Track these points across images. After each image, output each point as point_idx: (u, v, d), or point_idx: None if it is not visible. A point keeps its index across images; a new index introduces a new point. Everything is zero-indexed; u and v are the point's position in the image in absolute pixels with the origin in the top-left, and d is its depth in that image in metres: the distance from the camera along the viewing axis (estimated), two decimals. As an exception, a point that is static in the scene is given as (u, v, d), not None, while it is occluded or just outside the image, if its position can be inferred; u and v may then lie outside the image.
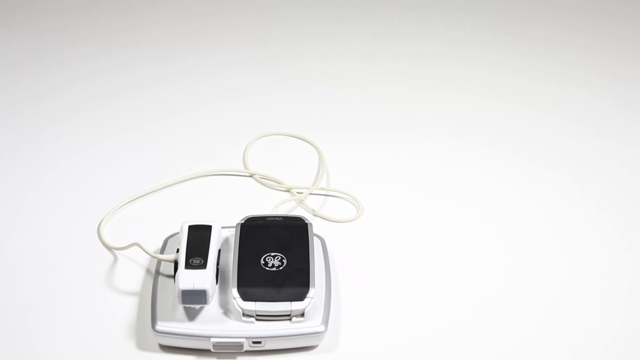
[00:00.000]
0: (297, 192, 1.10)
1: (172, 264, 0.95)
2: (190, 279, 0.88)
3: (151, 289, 0.94)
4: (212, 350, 0.88)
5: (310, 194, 1.10)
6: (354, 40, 1.43)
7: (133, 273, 0.98)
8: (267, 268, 0.92)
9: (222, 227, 0.99)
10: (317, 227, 1.05)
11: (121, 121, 1.22)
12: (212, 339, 0.87)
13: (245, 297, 0.89)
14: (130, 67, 1.34)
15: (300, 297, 0.89)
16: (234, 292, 0.89)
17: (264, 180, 1.12)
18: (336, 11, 1.51)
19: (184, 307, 0.90)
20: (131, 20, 1.48)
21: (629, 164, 1.16)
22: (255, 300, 0.89)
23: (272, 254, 0.93)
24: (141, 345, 0.90)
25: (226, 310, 0.90)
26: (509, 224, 1.06)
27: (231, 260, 0.94)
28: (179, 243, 0.93)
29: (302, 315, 0.89)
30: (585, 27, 1.49)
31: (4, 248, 1.01)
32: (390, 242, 1.03)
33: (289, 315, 0.89)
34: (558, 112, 1.27)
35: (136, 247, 1.00)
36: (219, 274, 0.93)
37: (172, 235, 0.99)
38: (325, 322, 0.89)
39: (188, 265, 0.89)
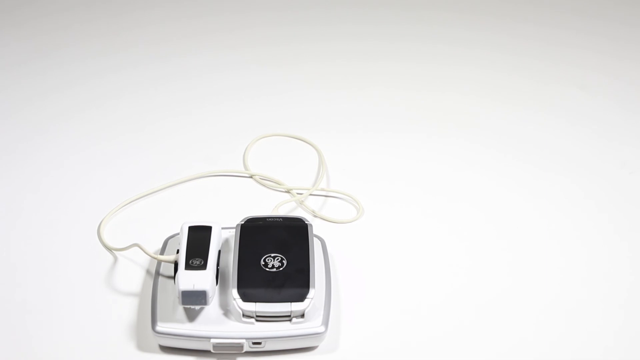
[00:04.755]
0: (297, 193, 1.10)
1: (172, 265, 0.95)
2: (190, 279, 0.88)
3: (151, 289, 0.94)
4: (212, 351, 0.88)
5: (310, 194, 1.10)
6: (354, 41, 1.43)
7: (133, 274, 0.98)
8: (267, 269, 0.92)
9: (222, 228, 0.99)
10: (317, 228, 1.05)
11: (121, 122, 1.22)
12: (212, 340, 0.87)
13: (245, 298, 0.89)
14: (130, 67, 1.34)
15: (300, 298, 0.89)
16: (234, 293, 0.89)
17: (264, 181, 1.12)
18: (336, 12, 1.51)
19: (184, 308, 0.90)
20: (131, 20, 1.48)
21: (630, 164, 1.16)
22: (255, 301, 0.89)
23: (272, 254, 0.93)
24: (141, 346, 0.90)
25: (226, 311, 0.90)
26: (509, 225, 1.06)
27: (231, 261, 0.94)
28: (179, 244, 0.93)
29: (302, 316, 0.89)
30: (585, 27, 1.49)
31: (4, 249, 1.01)
32: (390, 243, 1.03)
33: (289, 316, 0.89)
34: (558, 112, 1.27)
35: (136, 248, 1.00)
36: (219, 275, 0.93)
37: (172, 236, 1.00)
38: (325, 323, 0.89)
39: (188, 266, 0.89)
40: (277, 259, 0.93)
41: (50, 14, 1.48)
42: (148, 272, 0.98)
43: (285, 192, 1.11)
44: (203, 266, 0.90)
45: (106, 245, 1.02)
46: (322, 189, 1.11)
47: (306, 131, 1.21)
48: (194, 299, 0.87)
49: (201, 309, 0.90)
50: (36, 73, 1.32)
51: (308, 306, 0.89)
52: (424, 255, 1.02)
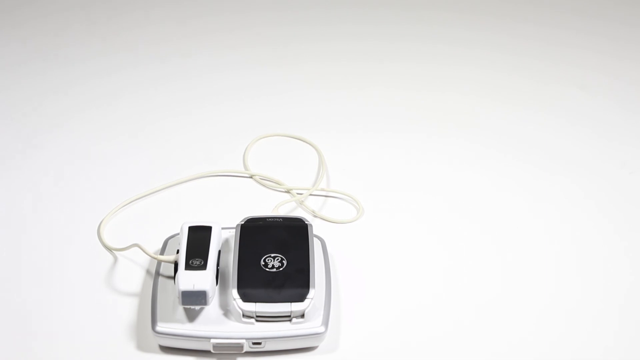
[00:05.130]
0: (297, 193, 1.10)
1: (172, 265, 0.95)
2: (190, 280, 0.88)
3: (151, 290, 0.94)
4: (212, 351, 0.88)
5: (310, 195, 1.10)
6: (354, 41, 1.43)
7: (133, 274, 0.98)
8: (267, 269, 0.92)
9: (222, 228, 0.99)
10: (317, 228, 1.05)
11: (121, 122, 1.22)
12: (212, 340, 0.87)
13: (245, 298, 0.89)
14: (130, 67, 1.34)
15: (300, 298, 0.89)
16: (234, 293, 0.89)
17: (264, 181, 1.12)
18: (336, 12, 1.51)
19: (184, 308, 0.90)
20: (131, 20, 1.48)
21: (629, 164, 1.16)
22: (255, 301, 0.89)
23: (272, 255, 0.93)
24: (141, 346, 0.90)
25: (226, 311, 0.90)
26: (509, 225, 1.06)
27: (231, 261, 0.94)
28: (179, 244, 0.93)
29: (302, 316, 0.89)
30: (585, 27, 1.49)
31: (4, 249, 1.01)
32: (390, 243, 1.03)
33: (289, 316, 0.89)
34: (558, 112, 1.27)
35: (136, 248, 1.00)
36: (219, 275, 0.93)
37: (172, 236, 1.00)
38: (325, 323, 0.89)
39: (188, 266, 0.89)
40: (277, 259, 0.93)
41: (50, 14, 1.48)
42: (148, 272, 0.98)
43: (285, 192, 1.11)
44: (203, 266, 0.90)
45: (106, 245, 1.02)
46: (322, 189, 1.11)
47: (306, 131, 1.21)
48: (194, 299, 0.87)
49: (201, 309, 0.90)
50: (36, 73, 1.32)
51: (308, 306, 0.89)
52: (423, 255, 1.02)
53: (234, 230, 0.98)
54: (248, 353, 0.89)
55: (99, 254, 1.01)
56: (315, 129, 1.22)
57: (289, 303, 0.89)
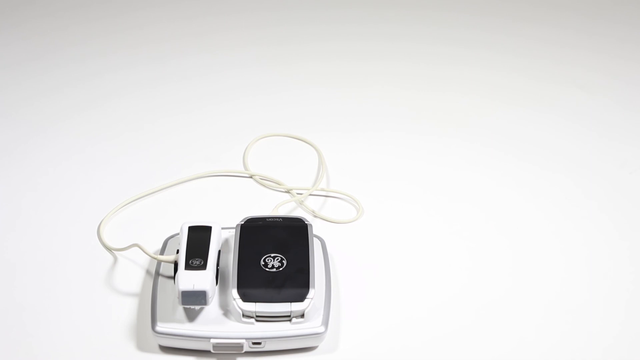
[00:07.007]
0: (297, 193, 1.10)
1: (172, 265, 0.95)
2: (190, 279, 0.88)
3: (151, 290, 0.94)
4: (212, 351, 0.88)
5: (310, 194, 1.10)
6: (354, 41, 1.43)
7: (133, 274, 0.98)
8: (267, 269, 0.92)
9: (222, 228, 0.99)
10: (317, 228, 1.05)
11: (121, 122, 1.22)
12: (212, 340, 0.87)
13: (245, 298, 0.89)
14: (130, 67, 1.34)
15: (300, 298, 0.89)
16: (234, 293, 0.89)
17: (264, 181, 1.12)
18: (336, 12, 1.51)
19: (184, 308, 0.90)
20: (130, 20, 1.48)
21: (630, 164, 1.16)
22: (255, 301, 0.89)
23: (272, 254, 0.93)
24: (141, 346, 0.90)
25: (226, 311, 0.90)
26: (509, 225, 1.06)
27: (231, 261, 0.94)
28: (179, 244, 0.93)
29: (302, 316, 0.89)
30: (585, 27, 1.49)
31: (4, 249, 1.01)
32: (390, 243, 1.03)
33: (289, 316, 0.89)
34: (558, 112, 1.27)
35: (136, 248, 1.00)
36: (218, 275, 0.93)
37: (172, 236, 1.00)
38: (325, 323, 0.89)
39: (188, 266, 0.89)
40: (277, 259, 0.93)
41: (50, 14, 1.48)
42: (148, 272, 0.98)
43: (285, 192, 1.11)
44: (203, 266, 0.90)
45: (106, 245, 1.02)
46: (322, 189, 1.11)
47: (306, 131, 1.21)
48: (193, 299, 0.87)
49: (201, 309, 0.90)
50: (36, 73, 1.32)
51: (308, 306, 0.89)
52: (424, 255, 1.02)
53: (234, 230, 0.98)
54: (248, 353, 0.89)
55: (99, 254, 1.01)
56: (315, 129, 1.22)
57: (289, 303, 0.89)
